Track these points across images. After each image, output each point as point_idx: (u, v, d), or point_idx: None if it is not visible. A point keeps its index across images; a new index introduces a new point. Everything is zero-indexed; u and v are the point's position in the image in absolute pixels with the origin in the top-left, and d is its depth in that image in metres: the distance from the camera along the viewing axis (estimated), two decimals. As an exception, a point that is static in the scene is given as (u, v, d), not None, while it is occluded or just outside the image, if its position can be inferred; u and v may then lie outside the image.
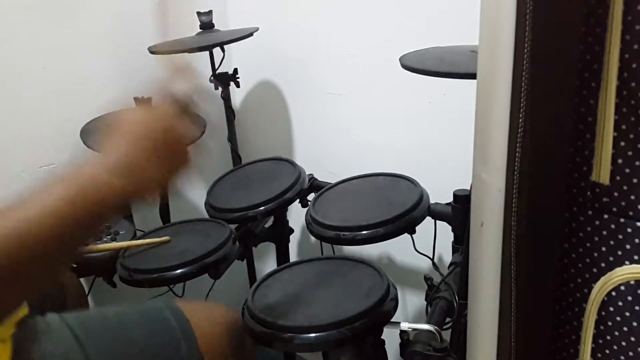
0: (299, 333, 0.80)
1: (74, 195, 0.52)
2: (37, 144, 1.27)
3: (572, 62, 0.52)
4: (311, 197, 1.16)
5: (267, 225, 1.33)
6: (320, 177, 1.29)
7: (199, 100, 0.66)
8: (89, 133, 1.20)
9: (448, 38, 0.97)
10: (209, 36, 1.30)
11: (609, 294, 0.54)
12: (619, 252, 0.53)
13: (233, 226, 1.17)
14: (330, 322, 0.80)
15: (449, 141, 1.24)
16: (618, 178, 0.52)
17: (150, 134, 0.59)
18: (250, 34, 1.27)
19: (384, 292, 0.85)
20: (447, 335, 0.86)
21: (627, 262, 0.53)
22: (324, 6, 1.38)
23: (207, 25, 1.32)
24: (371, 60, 1.32)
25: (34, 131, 1.26)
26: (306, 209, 1.09)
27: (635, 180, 0.51)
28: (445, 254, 1.18)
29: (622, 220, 0.53)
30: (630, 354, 0.55)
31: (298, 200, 1.21)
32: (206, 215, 1.21)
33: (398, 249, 1.42)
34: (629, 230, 0.52)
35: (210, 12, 1.32)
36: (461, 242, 1.00)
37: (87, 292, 1.23)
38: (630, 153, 0.51)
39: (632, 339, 0.55)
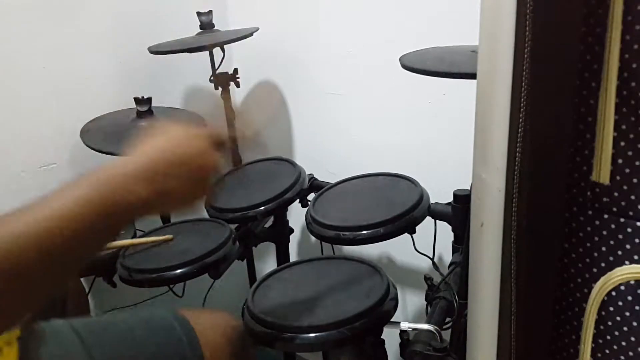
0: (299, 333, 0.80)
1: (92, 196, 0.52)
2: (37, 144, 1.27)
3: (572, 62, 0.52)
4: (311, 197, 1.16)
5: (267, 225, 1.33)
6: (320, 177, 1.29)
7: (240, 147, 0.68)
8: (89, 133, 1.20)
9: (448, 38, 0.98)
10: (209, 36, 1.30)
11: (609, 293, 0.54)
12: (619, 252, 0.53)
13: (233, 226, 1.17)
14: (330, 322, 0.80)
15: (449, 141, 1.24)
16: (618, 178, 0.52)
17: (180, 150, 0.59)
18: (250, 34, 1.27)
19: (384, 292, 0.85)
20: (447, 335, 0.86)
21: (627, 262, 0.53)
22: (324, 6, 1.38)
23: (207, 25, 1.32)
24: (371, 60, 1.32)
25: (34, 131, 1.27)
26: (306, 209, 1.09)
27: (635, 180, 0.51)
28: (445, 254, 1.18)
29: (622, 220, 0.53)
30: (630, 354, 0.55)
31: (298, 200, 1.21)
32: (206, 215, 1.21)
33: (398, 249, 1.42)
34: (629, 230, 0.52)
35: (210, 12, 1.32)
36: (461, 242, 1.00)
37: (87, 292, 1.23)
38: (630, 153, 0.51)
39: (632, 338, 0.55)
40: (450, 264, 1.00)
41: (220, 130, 0.66)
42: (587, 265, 0.56)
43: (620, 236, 0.53)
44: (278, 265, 1.33)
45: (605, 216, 0.54)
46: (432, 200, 1.04)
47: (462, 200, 0.97)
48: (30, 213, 0.49)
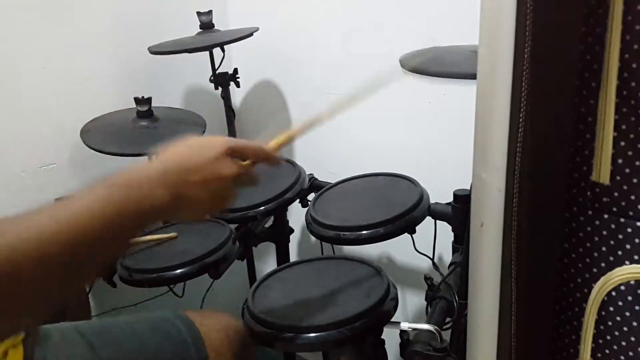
0: (299, 333, 0.80)
1: (113, 196, 0.53)
2: (37, 144, 1.27)
3: (572, 62, 0.52)
4: (311, 197, 1.16)
5: (267, 225, 1.33)
6: (320, 177, 1.29)
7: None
8: (89, 133, 1.20)
9: (448, 38, 0.97)
10: (209, 36, 1.30)
11: (609, 294, 0.54)
12: (619, 252, 0.53)
13: (233, 226, 1.17)
14: (330, 322, 0.80)
15: (449, 141, 1.24)
16: (618, 178, 0.52)
17: (195, 159, 0.61)
18: (250, 34, 1.27)
19: (384, 292, 0.85)
20: (447, 335, 0.86)
21: (627, 262, 0.53)
22: (324, 6, 1.38)
23: (207, 25, 1.32)
24: (371, 60, 1.32)
25: (34, 131, 1.26)
26: (306, 209, 1.09)
27: (635, 180, 0.51)
28: (445, 254, 1.18)
29: (622, 220, 0.53)
30: (630, 354, 0.55)
31: (298, 200, 1.21)
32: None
33: (398, 249, 1.42)
34: (629, 230, 0.52)
35: (210, 12, 1.32)
36: (461, 242, 1.00)
37: (87, 292, 1.23)
38: (630, 153, 0.51)
39: (632, 338, 0.55)
40: (450, 264, 1.00)
41: (240, 140, 0.67)
42: (587, 265, 0.56)
43: (620, 236, 0.53)
44: (278, 265, 1.33)
45: (605, 216, 0.54)
46: (432, 200, 1.04)
47: (462, 200, 0.97)
48: (51, 211, 0.50)
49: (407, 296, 1.44)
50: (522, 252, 0.54)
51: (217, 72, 1.36)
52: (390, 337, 0.87)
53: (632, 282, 0.53)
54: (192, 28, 1.32)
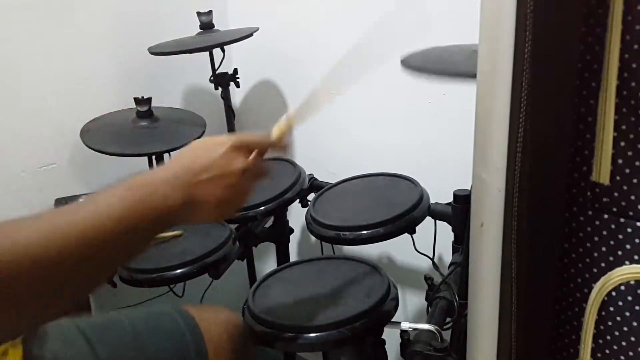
0: (299, 333, 0.80)
1: (127, 198, 0.54)
2: (37, 144, 1.27)
3: (572, 62, 0.52)
4: (311, 197, 1.16)
5: (267, 225, 1.33)
6: (320, 177, 1.29)
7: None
8: (89, 133, 1.20)
9: (448, 38, 0.97)
10: (209, 36, 1.30)
11: (609, 294, 0.54)
12: (619, 252, 0.53)
13: (233, 226, 1.17)
14: (330, 322, 0.80)
15: (449, 141, 1.24)
16: (618, 178, 0.52)
17: (200, 160, 0.62)
18: (250, 34, 1.27)
19: (384, 292, 0.85)
20: (447, 335, 0.86)
21: (627, 262, 0.53)
22: (323, 6, 1.38)
23: (207, 26, 1.32)
24: (371, 61, 1.31)
25: (34, 131, 1.26)
26: (306, 209, 1.09)
27: (635, 180, 0.51)
28: (445, 254, 1.18)
29: (622, 220, 0.53)
30: (630, 354, 0.55)
31: (298, 200, 1.21)
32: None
33: (398, 249, 1.42)
34: (629, 230, 0.52)
35: (210, 12, 1.32)
36: (461, 242, 1.00)
37: (87, 292, 1.23)
38: (630, 153, 0.51)
39: (632, 339, 0.55)
40: (450, 264, 1.00)
41: (244, 134, 0.68)
42: (587, 265, 0.56)
43: (620, 236, 0.53)
44: (278, 265, 1.33)
45: (605, 216, 0.54)
46: (432, 200, 1.04)
47: (462, 200, 0.97)
48: (67, 212, 0.51)
49: (407, 296, 1.43)
50: (522, 252, 0.54)
51: (217, 72, 1.36)
52: (391, 337, 0.87)
53: (632, 282, 0.53)
54: (192, 28, 1.32)
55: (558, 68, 0.51)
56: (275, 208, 1.16)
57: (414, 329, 0.83)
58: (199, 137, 1.12)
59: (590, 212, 0.55)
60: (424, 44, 0.97)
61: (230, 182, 0.63)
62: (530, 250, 0.54)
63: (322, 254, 1.32)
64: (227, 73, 1.39)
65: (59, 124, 1.29)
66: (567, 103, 0.53)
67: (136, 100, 1.23)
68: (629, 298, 0.53)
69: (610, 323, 0.56)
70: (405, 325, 0.83)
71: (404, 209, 0.97)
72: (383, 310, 0.84)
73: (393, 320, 0.84)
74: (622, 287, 0.54)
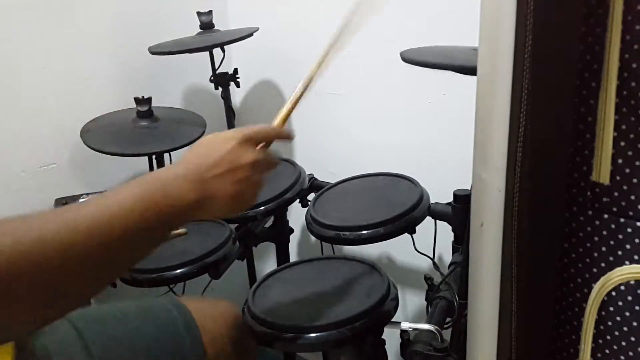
0: (300, 333, 0.80)
1: (142, 194, 0.54)
2: (37, 144, 1.27)
3: (572, 62, 0.52)
4: (311, 197, 1.16)
5: (267, 225, 1.33)
6: (320, 177, 1.29)
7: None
8: (89, 133, 1.20)
9: (448, 38, 0.97)
10: (209, 36, 1.30)
11: (609, 294, 0.54)
12: (619, 252, 0.53)
13: (233, 226, 1.17)
14: (330, 322, 0.80)
15: (449, 141, 1.24)
16: (618, 178, 0.52)
17: (210, 155, 0.62)
18: (250, 34, 1.27)
19: (384, 292, 0.85)
20: (447, 335, 0.86)
21: (627, 262, 0.53)
22: (323, 6, 1.38)
23: (207, 25, 1.32)
24: (371, 60, 1.32)
25: (34, 131, 1.26)
26: (306, 209, 1.09)
27: (635, 180, 0.51)
28: (445, 253, 1.18)
29: (622, 220, 0.53)
30: (630, 353, 0.55)
31: (298, 200, 1.21)
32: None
33: (398, 249, 1.42)
34: (629, 230, 0.52)
35: (210, 12, 1.32)
36: (461, 242, 1.00)
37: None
38: (630, 153, 0.51)
39: (632, 338, 0.55)
40: (450, 264, 1.00)
41: (249, 127, 0.68)
42: (587, 265, 0.56)
43: (620, 236, 0.53)
44: (278, 265, 1.33)
45: (605, 216, 0.54)
46: (432, 200, 1.04)
47: (462, 200, 0.97)
48: (82, 207, 0.51)
49: (407, 296, 1.44)
50: (522, 252, 0.54)
51: (217, 72, 1.36)
52: (391, 337, 0.87)
53: (632, 282, 0.53)
54: (192, 28, 1.32)
55: (558, 68, 0.51)
56: (275, 208, 1.16)
57: (414, 329, 0.83)
58: (199, 137, 1.12)
59: (590, 212, 0.55)
60: (424, 43, 0.97)
61: (241, 176, 0.63)
62: (530, 250, 0.54)
63: (322, 254, 1.32)
64: (227, 73, 1.39)
65: (59, 124, 1.29)
66: (567, 103, 0.53)
67: (136, 100, 1.23)
68: (629, 298, 0.53)
69: (610, 323, 0.56)
70: (405, 325, 0.83)
71: (404, 209, 0.97)
72: (383, 310, 0.84)
73: (393, 320, 0.84)
74: (622, 287, 0.54)
